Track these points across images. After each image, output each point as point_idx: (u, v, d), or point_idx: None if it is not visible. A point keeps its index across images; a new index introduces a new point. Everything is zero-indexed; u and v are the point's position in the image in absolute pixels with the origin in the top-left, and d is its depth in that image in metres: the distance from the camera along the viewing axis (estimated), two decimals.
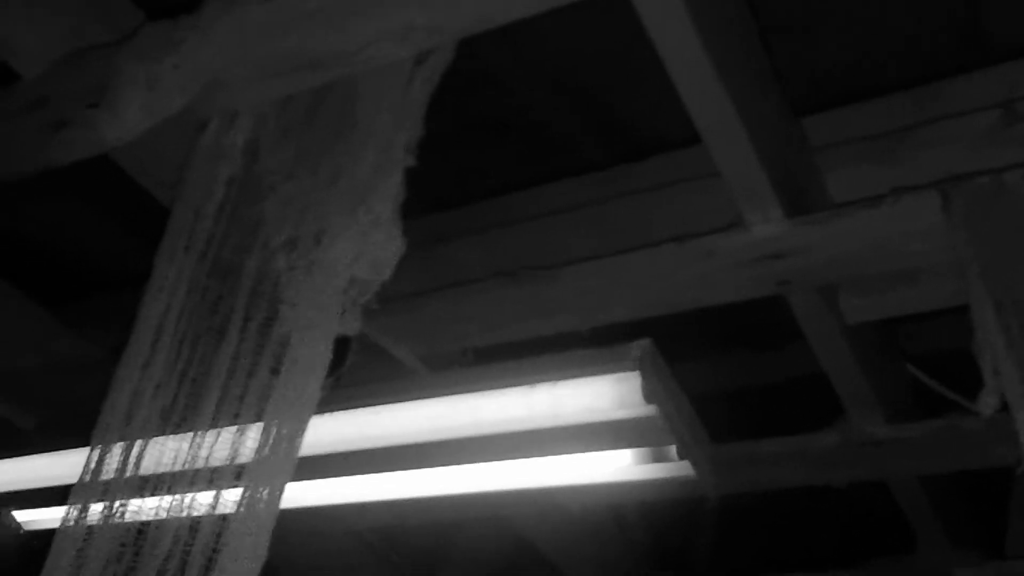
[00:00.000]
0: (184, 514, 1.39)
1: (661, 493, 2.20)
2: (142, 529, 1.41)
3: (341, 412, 2.02)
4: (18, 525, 2.56)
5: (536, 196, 2.08)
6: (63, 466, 2.32)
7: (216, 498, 1.37)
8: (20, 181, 1.76)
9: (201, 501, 1.39)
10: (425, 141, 1.48)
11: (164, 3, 1.66)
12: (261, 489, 1.32)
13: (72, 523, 1.45)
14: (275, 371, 1.38)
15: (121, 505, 1.44)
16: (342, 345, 1.43)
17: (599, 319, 1.98)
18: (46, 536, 1.53)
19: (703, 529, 3.06)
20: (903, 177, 1.71)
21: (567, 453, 1.96)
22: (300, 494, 2.25)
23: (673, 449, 1.92)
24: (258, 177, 1.54)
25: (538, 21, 1.43)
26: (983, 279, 1.59)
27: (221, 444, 1.41)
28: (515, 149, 2.09)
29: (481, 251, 2.08)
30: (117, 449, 1.48)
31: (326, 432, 1.96)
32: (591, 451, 1.96)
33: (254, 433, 1.38)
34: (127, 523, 1.43)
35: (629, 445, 1.95)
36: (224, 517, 1.35)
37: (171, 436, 1.46)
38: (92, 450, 1.51)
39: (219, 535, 1.32)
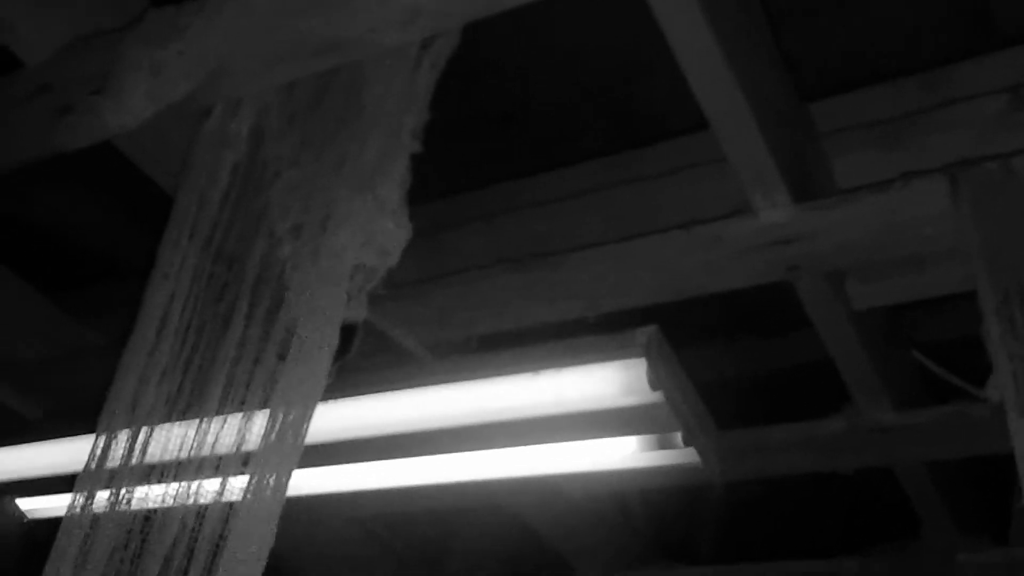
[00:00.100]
0: (191, 502, 1.39)
1: (666, 480, 2.20)
2: (149, 516, 1.40)
3: (345, 399, 2.02)
4: (22, 513, 2.56)
5: (542, 183, 2.07)
6: (66, 454, 2.32)
7: (223, 485, 1.37)
8: (24, 168, 1.75)
9: (208, 488, 1.39)
10: (431, 128, 1.47)
11: None
12: (268, 476, 1.31)
13: (78, 510, 1.45)
14: (281, 357, 1.37)
15: (127, 492, 1.44)
16: (347, 332, 1.43)
17: (605, 306, 1.97)
18: (50, 524, 1.53)
19: (708, 516, 3.06)
20: (911, 162, 1.70)
21: (572, 440, 1.96)
22: (303, 482, 2.25)
23: (679, 436, 1.92)
24: (263, 164, 1.54)
25: (546, 7, 1.42)
26: (990, 265, 1.58)
27: (227, 431, 1.40)
28: (521, 136, 2.08)
29: (487, 238, 2.08)
30: (123, 436, 1.48)
31: (330, 420, 1.96)
32: (596, 438, 1.96)
33: (260, 420, 1.37)
34: (133, 511, 1.43)
35: (634, 432, 1.95)
36: (231, 504, 1.34)
37: (177, 423, 1.46)
38: (98, 437, 1.50)
39: (226, 522, 1.32)
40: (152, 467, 1.45)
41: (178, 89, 1.52)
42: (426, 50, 1.45)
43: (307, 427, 1.35)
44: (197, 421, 1.44)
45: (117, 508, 1.43)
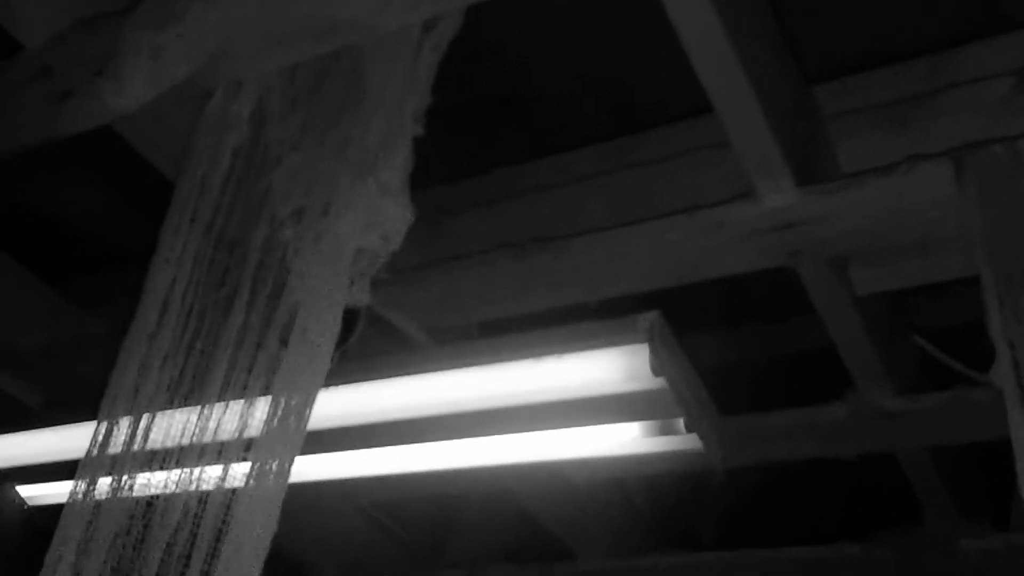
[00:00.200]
0: (193, 488, 1.38)
1: (668, 466, 2.20)
2: (151, 502, 1.40)
3: (346, 386, 2.01)
4: (22, 500, 2.56)
5: (544, 168, 2.07)
6: (67, 441, 2.32)
7: (225, 471, 1.37)
8: (25, 153, 1.75)
9: (210, 474, 1.39)
10: (433, 114, 1.46)
11: None
12: (270, 461, 1.31)
13: (80, 497, 1.45)
14: (284, 342, 1.37)
15: (129, 479, 1.43)
16: (348, 318, 1.42)
17: (607, 291, 1.97)
18: (51, 511, 1.53)
19: (710, 502, 3.06)
20: (915, 146, 1.69)
21: (574, 426, 1.96)
22: (304, 468, 2.25)
23: (681, 422, 1.91)
24: (264, 148, 1.53)
25: None
26: (993, 250, 1.57)
27: (229, 416, 1.40)
28: (523, 121, 2.07)
29: (488, 224, 2.07)
30: (125, 422, 1.48)
31: (331, 406, 1.95)
32: (598, 424, 1.95)
33: (262, 405, 1.37)
34: (136, 496, 1.42)
35: (637, 418, 1.94)
36: (233, 490, 1.34)
37: (179, 409, 1.46)
38: (99, 423, 1.50)
39: (228, 507, 1.31)
40: (154, 453, 1.45)
41: (178, 72, 1.51)
42: (428, 33, 1.44)
43: (309, 412, 1.34)
44: (199, 407, 1.43)
45: (119, 494, 1.43)
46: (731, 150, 1.64)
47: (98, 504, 1.44)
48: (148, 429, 1.46)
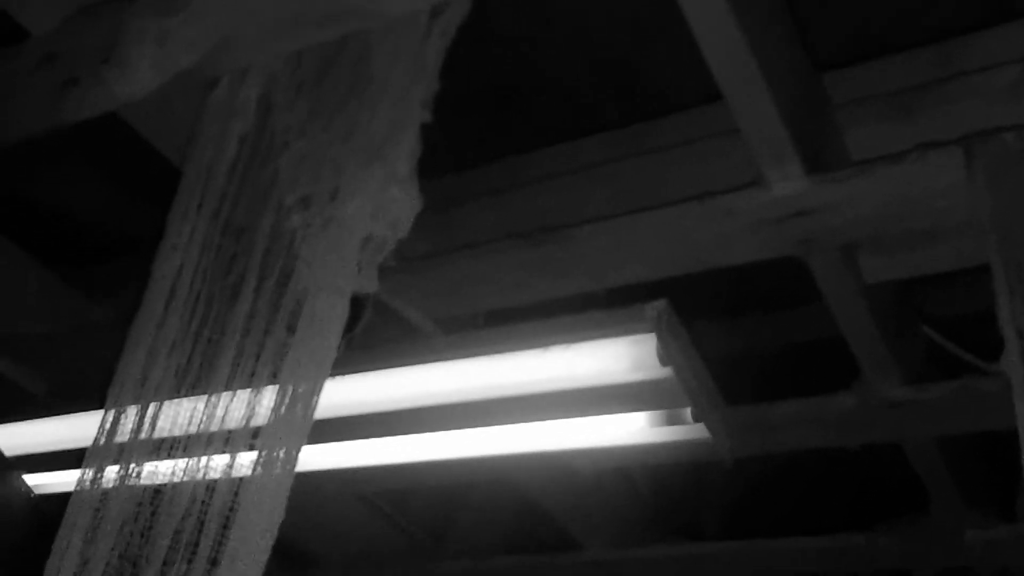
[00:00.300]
0: (201, 476, 1.38)
1: (675, 456, 2.19)
2: (159, 490, 1.40)
3: (353, 375, 2.01)
4: (29, 488, 2.56)
5: (551, 157, 2.06)
6: (73, 429, 2.32)
7: (232, 459, 1.37)
8: (31, 141, 1.74)
9: (218, 463, 1.38)
10: (439, 102, 1.46)
11: None
12: (278, 449, 1.31)
13: (88, 485, 1.45)
14: (291, 329, 1.36)
15: (137, 467, 1.43)
16: (355, 307, 1.42)
17: (614, 280, 1.96)
18: (57, 500, 1.53)
19: (716, 493, 3.06)
20: (924, 134, 1.68)
21: (581, 416, 1.95)
22: (311, 458, 2.25)
23: (688, 412, 1.91)
24: (271, 134, 1.52)
25: None
26: (1002, 238, 1.57)
27: (236, 404, 1.40)
28: (530, 110, 2.06)
29: (496, 212, 2.06)
30: (132, 410, 1.47)
31: (338, 395, 1.95)
32: (605, 414, 1.95)
33: (270, 393, 1.36)
34: (143, 485, 1.42)
35: (644, 407, 1.94)
36: (241, 478, 1.34)
37: (186, 397, 1.45)
38: (107, 411, 1.50)
39: (236, 495, 1.31)
40: (161, 441, 1.45)
41: (184, 59, 1.50)
42: (436, 18, 1.43)
43: (317, 399, 1.34)
44: (206, 395, 1.43)
45: (127, 482, 1.42)
46: (739, 138, 1.63)
47: (105, 492, 1.43)
48: (155, 417, 1.46)
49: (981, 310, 1.60)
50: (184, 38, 1.50)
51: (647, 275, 1.93)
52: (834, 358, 2.11)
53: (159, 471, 1.43)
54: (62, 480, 2.47)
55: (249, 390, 1.40)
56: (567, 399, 1.90)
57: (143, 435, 1.45)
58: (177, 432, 1.44)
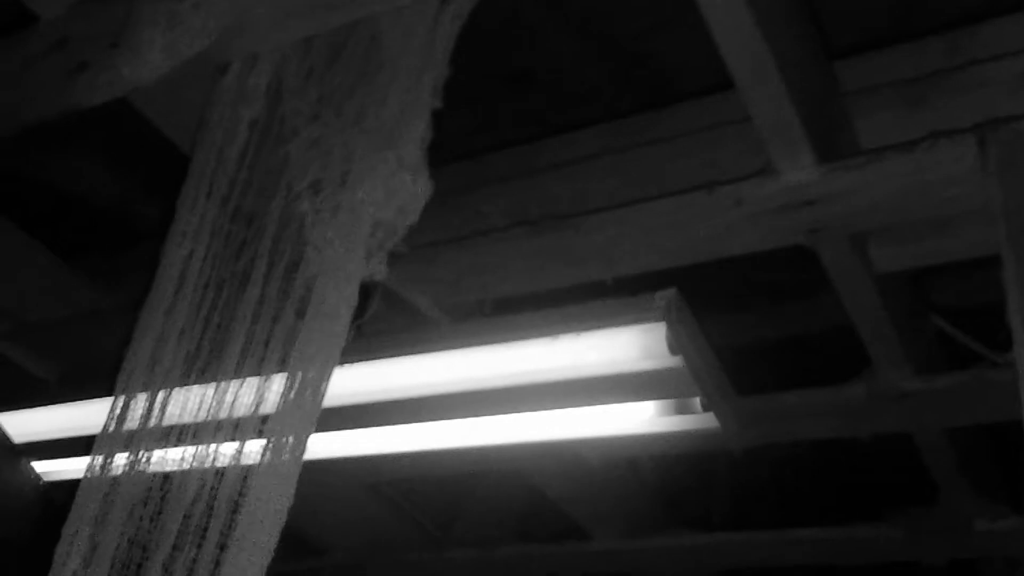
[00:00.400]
0: (210, 462, 1.38)
1: (684, 446, 2.20)
2: (168, 476, 1.40)
3: (361, 363, 2.01)
4: (38, 475, 2.57)
5: (560, 145, 2.05)
6: (82, 417, 2.32)
7: (241, 445, 1.36)
8: (42, 126, 1.74)
9: (226, 450, 1.38)
10: (448, 90, 1.45)
11: None
12: (286, 435, 1.31)
13: (98, 471, 1.45)
14: (300, 315, 1.36)
15: (146, 453, 1.43)
16: (363, 295, 1.41)
17: (623, 268, 1.95)
18: (66, 486, 1.53)
19: (723, 483, 3.05)
20: (935, 122, 1.67)
21: (590, 405, 1.95)
22: (319, 446, 2.25)
23: (697, 401, 1.91)
24: (281, 120, 1.52)
25: None
26: (1013, 227, 1.56)
27: (246, 390, 1.39)
28: (539, 98, 2.06)
29: (504, 201, 2.06)
30: (142, 397, 1.47)
31: (345, 384, 1.95)
32: (614, 403, 1.95)
33: (279, 380, 1.36)
34: (153, 471, 1.42)
35: (653, 397, 1.94)
36: (250, 464, 1.34)
37: (196, 385, 1.45)
38: (116, 398, 1.50)
39: (245, 481, 1.31)
40: (171, 428, 1.45)
41: (195, 43, 1.50)
42: (446, 4, 1.43)
43: (326, 386, 1.34)
44: (215, 382, 1.43)
45: (136, 468, 1.43)
46: (749, 127, 1.63)
47: (115, 479, 1.43)
48: (165, 404, 1.46)
49: (992, 300, 1.59)
50: (195, 22, 1.49)
51: (655, 264, 1.93)
52: (844, 348, 2.10)
53: (168, 458, 1.44)
54: (72, 467, 2.48)
55: (258, 377, 1.39)
56: (576, 388, 1.89)
57: (152, 422, 1.45)
58: (186, 419, 1.44)
